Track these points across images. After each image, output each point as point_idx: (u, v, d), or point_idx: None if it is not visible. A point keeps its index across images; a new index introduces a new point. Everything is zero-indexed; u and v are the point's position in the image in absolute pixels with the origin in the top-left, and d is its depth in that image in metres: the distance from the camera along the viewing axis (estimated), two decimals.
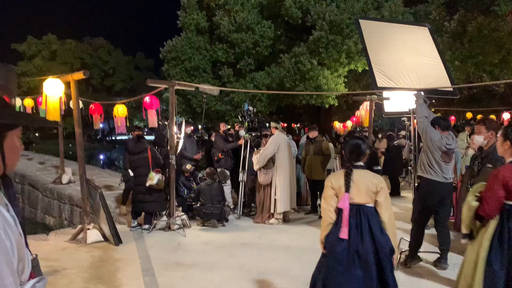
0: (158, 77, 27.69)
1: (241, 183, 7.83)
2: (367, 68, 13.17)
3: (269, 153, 7.16)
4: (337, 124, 23.32)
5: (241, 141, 8.02)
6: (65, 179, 9.98)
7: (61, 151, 9.92)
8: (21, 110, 12.59)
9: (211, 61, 16.91)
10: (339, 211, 2.96)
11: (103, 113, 9.51)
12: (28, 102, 10.85)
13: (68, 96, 10.15)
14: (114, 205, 8.00)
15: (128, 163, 7.07)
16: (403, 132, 13.64)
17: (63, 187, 9.76)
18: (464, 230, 3.02)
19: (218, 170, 7.81)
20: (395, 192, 10.36)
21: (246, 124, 7.82)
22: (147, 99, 7.61)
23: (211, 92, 8.07)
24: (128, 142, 7.50)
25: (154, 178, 6.35)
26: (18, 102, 12.63)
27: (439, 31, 13.16)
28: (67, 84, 5.97)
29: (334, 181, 3.00)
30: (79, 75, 5.74)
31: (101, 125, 9.81)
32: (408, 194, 10.48)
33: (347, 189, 2.86)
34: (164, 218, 6.79)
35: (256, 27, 14.89)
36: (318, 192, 7.86)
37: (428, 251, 5.05)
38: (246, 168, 7.80)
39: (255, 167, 7.32)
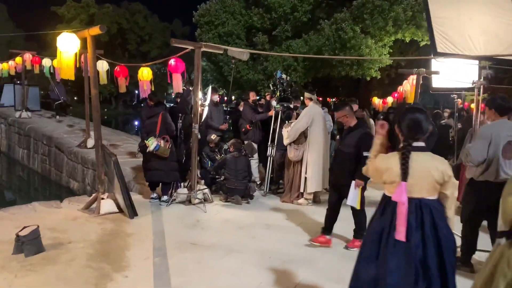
0: None
1: (269, 158, 7.22)
2: (415, 38, 12.01)
3: (301, 127, 6.48)
4: (376, 100, 22.06)
5: (271, 112, 7.36)
6: (90, 143, 9.73)
7: (86, 114, 9.62)
8: (51, 71, 12.45)
9: (246, 26, 16.13)
10: (387, 202, 2.31)
11: (128, 76, 9.05)
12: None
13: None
14: (134, 174, 7.63)
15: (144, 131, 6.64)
16: (447, 111, 12.56)
17: (87, 151, 9.53)
18: (503, 227, 2.26)
19: (245, 142, 7.23)
20: None
21: (278, 93, 7.12)
22: (172, 61, 7.02)
23: (239, 56, 7.36)
24: (143, 108, 7.09)
25: (151, 144, 5.84)
26: (47, 62, 12.46)
27: None
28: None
29: (383, 163, 2.33)
30: (96, 30, 5.22)
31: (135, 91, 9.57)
32: (455, 181, 9.57)
33: (405, 177, 2.18)
34: (185, 190, 6.33)
35: None
36: None
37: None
38: (276, 142, 7.16)
39: (285, 142, 6.68)
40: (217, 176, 6.87)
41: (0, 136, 15.30)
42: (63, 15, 39.15)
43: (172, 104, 7.14)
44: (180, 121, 6.68)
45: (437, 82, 11.45)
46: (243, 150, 6.74)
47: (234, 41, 15.91)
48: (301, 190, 6.63)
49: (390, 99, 18.44)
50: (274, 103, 7.93)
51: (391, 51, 12.56)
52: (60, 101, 14.57)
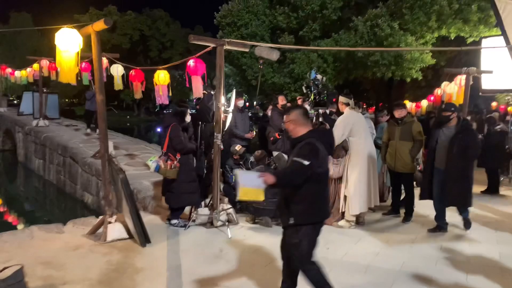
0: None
1: None
2: (462, 33, 10.88)
3: (336, 139, 5.52)
4: (408, 104, 20.72)
5: None
6: None
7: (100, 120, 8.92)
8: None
9: (270, 27, 15.32)
10: None
11: (144, 80, 8.31)
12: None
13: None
14: (152, 190, 6.84)
15: None
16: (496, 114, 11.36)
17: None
18: None
19: (274, 154, 6.34)
20: (493, 189, 8.35)
21: (312, 97, 6.20)
22: (191, 62, 6.22)
23: (269, 56, 6.51)
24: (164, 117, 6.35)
25: (151, 165, 4.99)
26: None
27: None
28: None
29: None
30: (101, 25, 4.48)
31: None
32: (510, 193, 8.43)
33: None
34: (206, 210, 5.50)
35: None
36: (404, 188, 6.17)
37: None
38: None
39: None
40: None
41: (18, 145, 14.93)
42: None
43: (193, 111, 6.29)
44: (200, 130, 5.86)
45: (488, 83, 10.41)
46: (271, 162, 5.85)
47: (258, 43, 15.07)
48: (343, 210, 5.69)
49: (424, 103, 17.17)
50: (307, 107, 7.05)
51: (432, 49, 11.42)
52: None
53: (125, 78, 8.96)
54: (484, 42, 10.10)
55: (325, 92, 6.24)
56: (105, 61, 8.93)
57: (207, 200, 5.84)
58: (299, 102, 7.15)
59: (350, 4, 13.44)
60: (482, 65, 9.84)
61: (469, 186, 5.26)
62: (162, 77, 7.37)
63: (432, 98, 13.23)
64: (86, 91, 13.84)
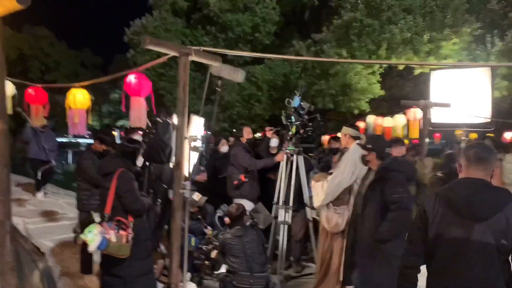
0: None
1: (281, 225, 5.04)
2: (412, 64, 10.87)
3: (345, 180, 4.45)
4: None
5: (281, 157, 5.25)
6: None
7: None
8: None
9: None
10: None
11: (48, 103, 6.35)
12: None
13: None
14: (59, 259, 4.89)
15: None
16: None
17: None
18: None
19: (247, 206, 4.99)
20: None
21: (294, 129, 5.04)
22: (131, 78, 4.69)
23: (231, 77, 5.33)
24: (85, 158, 4.61)
25: (90, 240, 3.27)
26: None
27: None
28: None
29: None
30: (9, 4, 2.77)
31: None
32: None
33: None
34: None
35: (256, 7, 12.23)
36: None
37: None
38: (291, 201, 5.03)
39: (318, 202, 4.58)
40: (206, 263, 4.53)
41: None
42: None
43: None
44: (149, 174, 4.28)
45: (438, 116, 10.41)
46: (252, 220, 4.48)
47: (177, 66, 13.70)
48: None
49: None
50: (275, 142, 5.89)
51: (380, 80, 11.26)
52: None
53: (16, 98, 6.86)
54: (434, 74, 10.20)
55: (311, 124, 5.14)
56: None
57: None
58: (268, 133, 5.93)
59: (287, 25, 12.95)
60: (432, 97, 9.85)
61: None
62: (79, 98, 5.62)
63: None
64: None
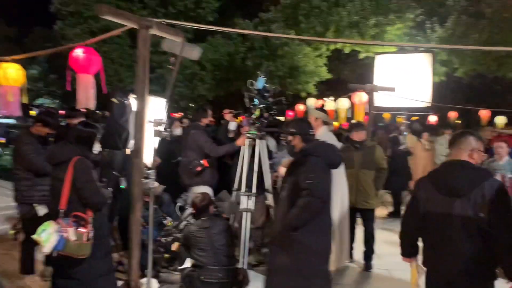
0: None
1: (243, 213, 4.84)
2: (357, 48, 11.03)
3: None
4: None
5: (242, 141, 5.02)
6: None
7: None
8: None
9: None
10: None
11: None
12: None
13: None
14: None
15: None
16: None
17: None
18: None
19: (198, 190, 4.72)
20: (397, 212, 8.41)
21: (258, 113, 4.81)
22: (78, 52, 4.18)
23: (185, 54, 4.97)
24: (24, 142, 4.02)
25: (45, 240, 2.89)
26: None
27: None
28: None
29: None
30: None
31: None
32: None
33: None
34: None
35: None
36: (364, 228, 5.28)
37: None
38: (253, 187, 4.83)
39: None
40: (165, 255, 4.23)
41: None
42: None
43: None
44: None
45: (379, 100, 10.73)
46: (217, 210, 4.24)
47: (112, 41, 12.82)
48: None
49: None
50: (233, 125, 5.65)
51: (326, 63, 11.30)
52: None
53: None
54: (378, 58, 10.46)
55: (276, 108, 4.94)
56: None
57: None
58: (227, 117, 5.65)
59: (227, 6, 12.52)
60: (375, 81, 10.12)
61: None
62: (11, 73, 4.95)
63: (290, 113, 12.55)
64: None
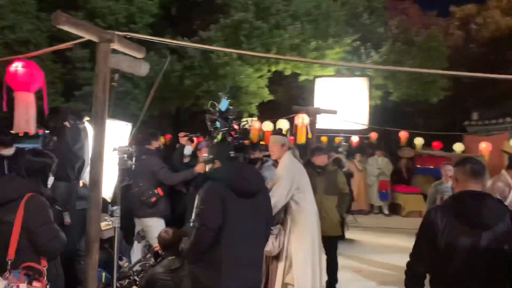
0: None
1: None
2: (297, 70, 11.16)
3: (282, 198, 4.15)
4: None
5: (201, 168, 4.69)
6: None
7: None
8: None
9: (49, 35, 12.17)
10: None
11: None
12: None
13: None
14: None
15: None
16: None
17: None
18: None
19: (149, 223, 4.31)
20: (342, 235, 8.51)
21: (220, 137, 4.51)
22: (17, 67, 3.61)
23: (132, 70, 4.66)
24: None
25: None
26: None
27: None
28: None
29: None
30: None
31: None
32: (355, 236, 8.85)
33: None
34: None
35: None
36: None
37: None
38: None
39: None
40: None
41: None
42: None
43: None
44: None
45: (322, 122, 10.92)
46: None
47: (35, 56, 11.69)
48: None
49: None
50: (189, 150, 5.30)
51: (267, 85, 11.28)
52: None
53: None
54: (318, 81, 10.67)
55: (238, 130, 4.67)
56: None
57: None
58: (182, 140, 5.25)
59: (169, 18, 12.09)
60: (316, 104, 10.30)
61: None
62: None
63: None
64: None
